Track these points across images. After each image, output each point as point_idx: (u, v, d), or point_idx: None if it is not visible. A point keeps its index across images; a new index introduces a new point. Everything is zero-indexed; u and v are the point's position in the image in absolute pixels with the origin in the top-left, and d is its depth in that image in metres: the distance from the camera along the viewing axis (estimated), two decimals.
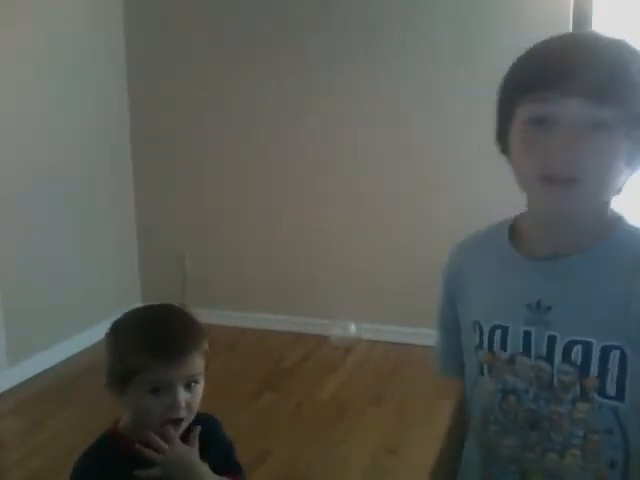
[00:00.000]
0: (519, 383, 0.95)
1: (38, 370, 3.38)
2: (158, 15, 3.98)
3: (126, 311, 1.21)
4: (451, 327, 1.07)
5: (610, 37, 0.86)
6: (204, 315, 4.56)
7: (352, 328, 3.75)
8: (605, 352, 0.85)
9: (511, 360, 0.95)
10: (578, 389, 0.88)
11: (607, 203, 0.90)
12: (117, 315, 1.21)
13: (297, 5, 3.72)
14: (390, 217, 3.72)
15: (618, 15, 3.32)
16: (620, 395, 0.85)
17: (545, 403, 0.91)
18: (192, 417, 1.14)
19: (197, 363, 1.14)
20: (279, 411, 3.03)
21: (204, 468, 1.12)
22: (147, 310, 1.23)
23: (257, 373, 3.43)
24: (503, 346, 0.96)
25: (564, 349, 0.88)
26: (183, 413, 1.11)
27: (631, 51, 0.84)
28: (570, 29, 3.30)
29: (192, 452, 1.11)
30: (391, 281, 3.74)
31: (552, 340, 0.90)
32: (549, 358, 0.90)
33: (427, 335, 3.77)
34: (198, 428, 1.14)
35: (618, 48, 0.83)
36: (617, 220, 0.91)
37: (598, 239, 0.89)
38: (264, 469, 2.52)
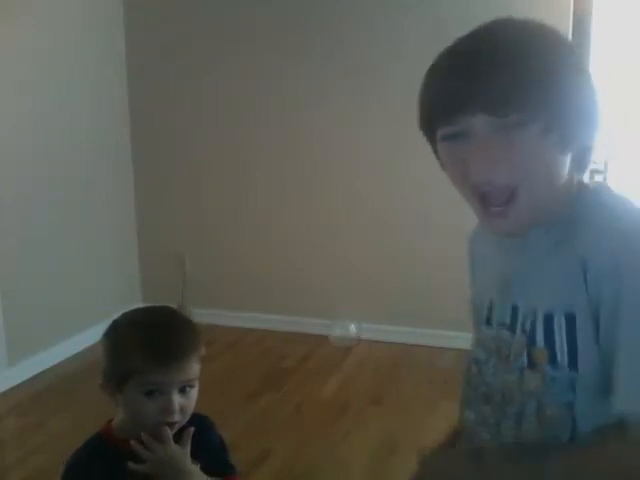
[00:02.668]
0: (481, 353, 0.95)
1: (38, 370, 3.38)
2: (158, 15, 3.98)
3: (125, 311, 1.21)
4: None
5: (516, 27, 0.88)
6: (204, 315, 4.59)
7: (352, 328, 3.75)
8: (548, 320, 0.83)
9: (478, 330, 0.97)
10: (525, 359, 0.86)
11: (567, 188, 0.87)
12: (117, 315, 1.21)
13: (298, 5, 3.72)
14: (390, 217, 3.72)
15: (618, 15, 3.32)
16: (572, 364, 0.81)
17: (501, 375, 0.90)
18: (185, 421, 1.14)
19: (194, 368, 1.14)
20: (279, 411, 3.03)
21: (195, 469, 1.12)
22: (147, 312, 1.23)
23: (257, 373, 3.43)
24: (477, 317, 0.98)
25: (523, 318, 0.88)
26: (177, 417, 1.11)
27: (535, 40, 0.84)
28: (570, 29, 3.30)
29: (184, 453, 1.12)
30: (391, 281, 3.74)
31: (515, 310, 0.90)
32: (512, 328, 0.90)
33: (427, 335, 3.79)
34: (191, 429, 1.14)
35: (518, 45, 0.82)
36: (584, 191, 0.89)
37: (563, 212, 0.87)
38: (264, 469, 2.52)
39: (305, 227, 3.89)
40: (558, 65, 0.82)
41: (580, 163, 0.87)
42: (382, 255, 3.77)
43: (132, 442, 1.09)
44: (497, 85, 0.79)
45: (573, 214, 0.86)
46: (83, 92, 3.72)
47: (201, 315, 4.01)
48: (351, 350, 3.67)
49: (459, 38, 0.87)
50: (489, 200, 0.84)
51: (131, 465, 1.08)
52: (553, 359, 0.83)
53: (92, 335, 3.32)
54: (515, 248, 0.92)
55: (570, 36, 3.31)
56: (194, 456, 1.14)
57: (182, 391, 1.12)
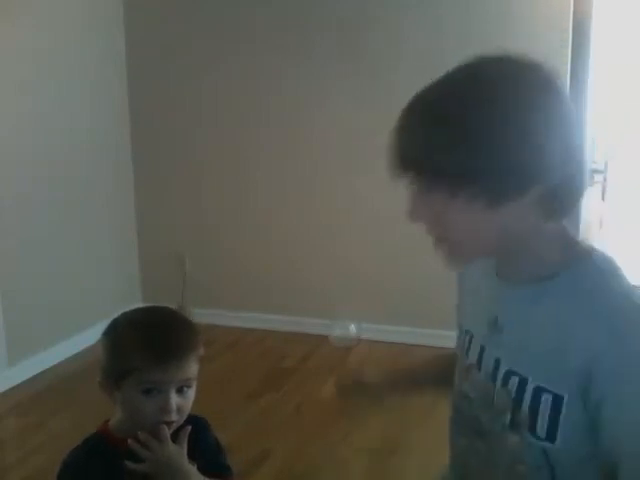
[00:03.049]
0: (471, 392, 0.97)
1: (38, 370, 3.38)
2: (158, 15, 3.99)
3: (125, 311, 1.21)
4: None
5: (463, 79, 0.90)
6: (204, 315, 4.59)
7: (352, 328, 3.75)
8: (537, 393, 0.83)
9: (469, 369, 0.97)
10: (508, 418, 0.87)
11: (535, 236, 0.86)
12: (117, 315, 1.21)
13: (298, 5, 3.72)
14: (390, 217, 3.72)
15: (618, 16, 3.32)
16: (551, 436, 0.82)
17: (488, 420, 0.92)
18: (182, 421, 1.14)
19: (192, 367, 1.14)
20: (279, 411, 3.03)
21: (192, 469, 1.12)
22: (147, 311, 1.23)
23: (257, 373, 3.43)
24: (467, 352, 0.99)
25: (504, 375, 0.88)
26: (174, 416, 1.11)
27: (470, 98, 0.83)
28: (570, 29, 3.30)
29: (181, 452, 1.12)
30: (391, 281, 3.74)
31: (497, 363, 0.90)
32: (493, 379, 0.90)
33: (427, 335, 3.79)
34: (188, 428, 1.14)
35: (446, 106, 0.84)
36: (582, 252, 0.87)
37: (556, 269, 0.86)
38: (264, 469, 2.51)
39: (305, 227, 3.89)
40: (479, 122, 0.80)
41: (547, 208, 0.83)
42: (382, 255, 3.77)
43: (130, 441, 1.09)
44: (412, 146, 0.83)
45: (565, 278, 0.84)
46: (83, 92, 3.72)
47: (201, 315, 4.01)
48: (351, 350, 3.67)
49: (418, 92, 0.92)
50: (435, 244, 0.89)
51: (129, 464, 1.08)
52: (532, 427, 0.84)
53: (92, 335, 3.32)
54: (507, 296, 0.92)
55: (570, 36, 3.32)
56: (190, 457, 1.13)
57: (180, 391, 1.12)
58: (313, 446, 2.72)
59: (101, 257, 3.92)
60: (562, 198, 0.84)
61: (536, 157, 0.79)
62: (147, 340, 1.12)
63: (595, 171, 3.55)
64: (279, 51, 3.76)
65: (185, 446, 1.13)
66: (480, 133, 0.79)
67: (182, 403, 1.12)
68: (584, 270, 0.85)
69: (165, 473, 1.10)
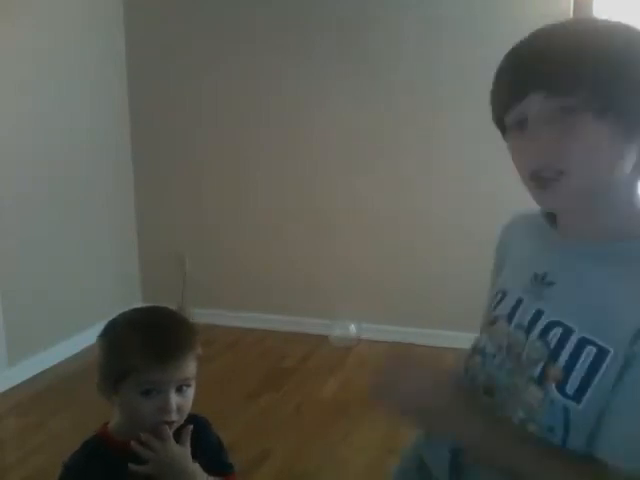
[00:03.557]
0: (489, 346, 0.94)
1: (38, 370, 3.38)
2: (158, 15, 3.99)
3: (122, 312, 1.21)
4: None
5: (588, 24, 0.88)
6: (204, 315, 4.57)
7: (352, 328, 3.75)
8: (581, 344, 0.81)
9: (492, 322, 0.95)
10: (538, 371, 0.84)
11: (626, 191, 0.85)
12: (115, 316, 1.21)
13: (298, 5, 3.72)
14: (390, 217, 3.72)
15: (618, 15, 3.32)
16: (579, 395, 0.80)
17: (507, 374, 0.89)
18: (182, 420, 1.14)
19: (191, 367, 1.14)
20: (279, 411, 3.03)
21: (196, 468, 1.12)
22: (145, 311, 1.23)
23: (257, 373, 3.43)
24: (495, 307, 0.96)
25: (546, 326, 0.86)
26: (174, 416, 1.11)
27: (600, 34, 0.83)
28: None
29: (185, 452, 1.12)
30: (391, 281, 3.74)
31: (538, 314, 0.88)
32: (528, 330, 0.88)
33: (427, 335, 3.79)
34: (190, 427, 1.14)
35: (580, 34, 0.83)
36: None
37: (630, 235, 0.84)
38: (264, 469, 2.51)
39: (305, 227, 3.89)
40: (615, 51, 0.80)
41: None
42: (382, 255, 3.77)
43: (132, 443, 1.08)
44: (543, 65, 0.80)
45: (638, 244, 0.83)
46: (83, 92, 3.72)
47: (201, 315, 4.00)
48: (351, 350, 3.67)
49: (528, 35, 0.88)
50: (541, 180, 0.83)
51: (132, 466, 1.08)
52: (564, 383, 0.81)
53: (92, 335, 3.29)
54: (567, 252, 0.90)
55: None
56: (192, 456, 1.13)
57: (179, 390, 1.12)
58: (313, 446, 2.72)
59: (101, 257, 3.92)
60: None
61: None
62: (145, 340, 1.12)
63: None
64: (279, 51, 3.77)
65: (188, 445, 1.12)
66: (623, 57, 0.80)
67: (182, 403, 1.12)
68: None
69: (168, 473, 1.10)
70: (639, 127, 0.80)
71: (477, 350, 0.96)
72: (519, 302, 0.92)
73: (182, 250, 4.13)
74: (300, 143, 3.83)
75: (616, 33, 0.83)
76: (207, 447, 1.20)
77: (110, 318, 1.22)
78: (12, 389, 3.22)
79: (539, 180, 0.83)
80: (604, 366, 0.78)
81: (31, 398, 3.17)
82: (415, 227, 3.68)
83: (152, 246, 4.21)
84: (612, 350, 0.78)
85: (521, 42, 0.87)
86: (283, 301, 3.97)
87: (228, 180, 4.00)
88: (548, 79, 0.79)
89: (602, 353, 0.79)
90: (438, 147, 3.58)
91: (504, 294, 0.96)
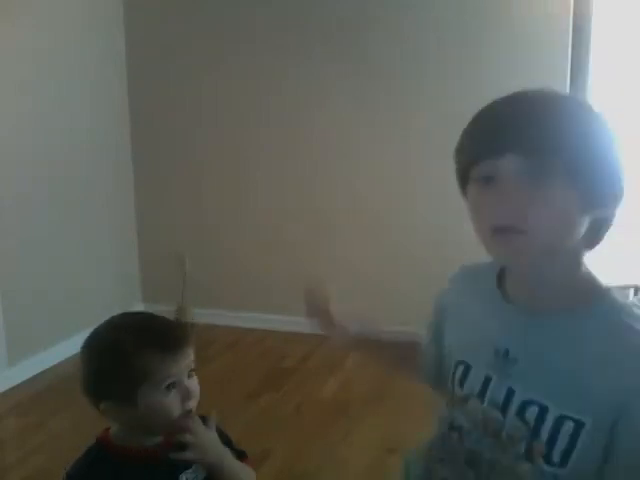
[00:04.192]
0: (465, 423, 0.96)
1: (38, 370, 3.38)
2: (158, 15, 3.99)
3: (96, 329, 1.20)
4: (437, 340, 1.09)
5: (554, 94, 0.89)
6: (204, 315, 4.57)
7: None
8: (559, 421, 0.83)
9: (465, 399, 0.96)
10: (524, 447, 0.86)
11: (574, 258, 0.88)
12: (87, 339, 1.20)
13: (298, 5, 3.72)
14: (390, 217, 3.73)
15: (618, 15, 3.32)
16: (564, 462, 0.83)
17: (489, 448, 0.91)
18: (195, 407, 1.17)
19: (192, 354, 1.17)
20: (279, 411, 3.03)
21: (227, 451, 1.16)
22: (128, 316, 1.25)
23: (257, 373, 3.43)
24: (461, 383, 0.97)
25: (520, 405, 0.88)
26: (193, 403, 1.14)
27: (568, 101, 0.89)
28: (570, 29, 3.30)
29: (217, 436, 1.16)
30: (391, 281, 3.74)
31: (510, 393, 0.89)
32: (504, 409, 0.89)
33: None
34: (214, 414, 1.18)
35: (551, 100, 0.87)
36: (603, 290, 0.88)
37: (580, 302, 0.87)
38: (264, 469, 2.51)
39: (305, 227, 3.89)
40: (590, 125, 0.84)
41: (593, 236, 0.87)
42: (382, 255, 3.77)
43: (178, 436, 1.10)
44: (526, 129, 0.82)
45: (592, 310, 0.86)
46: (83, 92, 3.72)
47: (201, 315, 4.02)
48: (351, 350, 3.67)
49: (492, 101, 0.90)
50: (503, 235, 0.85)
51: (174, 455, 1.10)
52: (548, 456, 0.84)
53: None
54: (523, 326, 0.91)
55: (570, 36, 3.32)
56: None
57: (189, 377, 1.15)
58: (313, 446, 2.72)
59: (101, 257, 3.92)
60: (602, 235, 0.89)
61: (618, 182, 0.86)
62: (154, 338, 1.13)
63: None
64: (279, 51, 3.77)
65: (215, 430, 1.17)
66: (598, 136, 0.84)
67: (194, 388, 1.15)
68: (614, 303, 0.86)
69: (210, 455, 1.13)
70: (596, 199, 0.84)
71: (454, 428, 0.98)
72: (488, 380, 0.93)
73: (182, 250, 4.14)
74: (300, 143, 3.84)
75: (590, 111, 0.87)
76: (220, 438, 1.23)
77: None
78: (12, 389, 3.22)
79: (501, 235, 0.85)
80: (582, 436, 0.82)
81: (31, 398, 3.17)
82: (416, 227, 3.68)
83: (152, 246, 4.21)
84: (588, 422, 0.81)
85: (501, 101, 0.88)
86: (283, 301, 3.96)
87: (228, 180, 4.00)
88: (529, 142, 0.81)
89: (579, 426, 0.82)
90: (438, 147, 3.57)
91: (467, 368, 0.97)
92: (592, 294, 0.87)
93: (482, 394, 0.93)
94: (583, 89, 3.85)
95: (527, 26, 3.33)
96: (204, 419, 1.18)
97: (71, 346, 3.51)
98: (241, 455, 1.24)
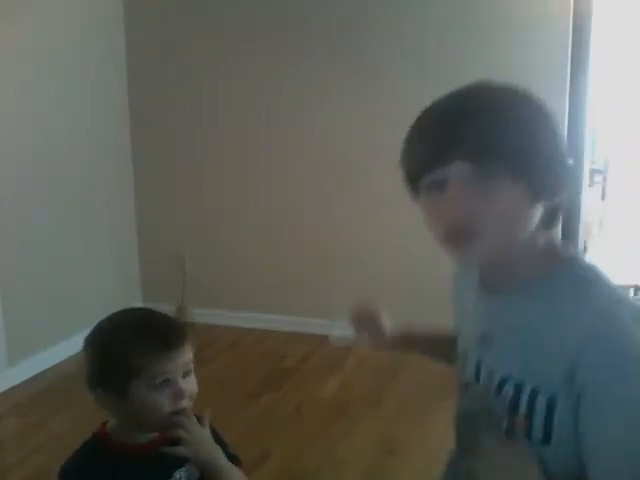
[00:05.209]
0: (471, 408, 0.99)
1: (38, 370, 3.39)
2: (158, 15, 3.99)
3: (100, 321, 1.22)
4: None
5: (489, 88, 0.90)
6: (204, 315, 4.57)
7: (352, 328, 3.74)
8: (533, 395, 0.85)
9: (467, 386, 1.00)
10: (506, 424, 0.88)
11: (531, 241, 0.90)
12: (90, 331, 1.22)
13: (298, 5, 3.72)
14: (390, 217, 3.72)
15: (618, 15, 3.32)
16: (547, 438, 0.84)
17: (489, 427, 0.93)
18: (191, 406, 1.16)
19: (190, 352, 1.17)
20: (279, 411, 3.03)
21: (219, 449, 1.15)
22: (128, 313, 1.24)
23: (257, 373, 3.43)
24: (463, 371, 1.01)
25: (499, 383, 0.90)
26: (186, 402, 1.14)
27: (506, 99, 0.88)
28: (570, 29, 3.30)
29: (209, 433, 1.15)
30: (391, 281, 3.74)
31: (491, 372, 0.93)
32: (489, 389, 0.93)
33: None
34: (209, 411, 1.17)
35: (491, 102, 0.87)
36: (564, 260, 0.91)
37: (539, 276, 0.89)
38: (264, 469, 2.52)
39: (305, 227, 3.89)
40: (529, 120, 0.86)
41: (548, 220, 0.90)
42: (382, 255, 3.77)
43: (172, 430, 1.11)
44: (471, 136, 0.84)
45: (552, 281, 0.88)
46: (83, 92, 3.72)
47: (201, 315, 4.02)
48: (351, 350, 3.67)
49: (435, 100, 0.93)
50: (454, 238, 0.88)
51: (167, 449, 1.11)
52: (529, 432, 0.85)
53: None
54: (492, 308, 0.95)
55: (570, 36, 3.32)
56: None
57: (185, 376, 1.15)
58: (313, 446, 2.72)
59: (101, 257, 3.92)
60: (557, 218, 0.92)
61: (562, 168, 0.89)
62: (149, 334, 1.14)
63: (595, 171, 3.55)
64: (279, 51, 3.77)
65: (208, 428, 1.16)
66: (536, 130, 0.86)
67: (190, 388, 1.15)
68: (567, 277, 0.89)
69: (202, 451, 1.13)
70: (544, 190, 0.86)
71: (463, 414, 1.02)
72: (479, 365, 0.97)
73: (182, 250, 4.14)
74: (300, 143, 3.84)
75: (526, 102, 0.88)
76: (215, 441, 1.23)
77: None
78: (12, 389, 3.22)
79: (454, 239, 0.88)
80: (558, 411, 0.83)
81: (31, 398, 3.17)
82: (415, 227, 3.67)
83: (152, 246, 4.21)
84: (559, 395, 0.82)
85: (442, 105, 0.91)
86: (283, 301, 3.97)
87: (228, 180, 4.01)
88: (475, 148, 0.83)
89: (551, 399, 0.83)
90: None
91: (465, 357, 1.02)
92: (550, 269, 0.89)
93: (477, 378, 0.97)
94: (583, 88, 3.85)
95: (527, 26, 3.33)
96: (198, 418, 1.18)
97: (71, 346, 3.53)
98: (234, 459, 1.23)
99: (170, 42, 3.97)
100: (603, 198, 7.45)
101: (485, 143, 0.83)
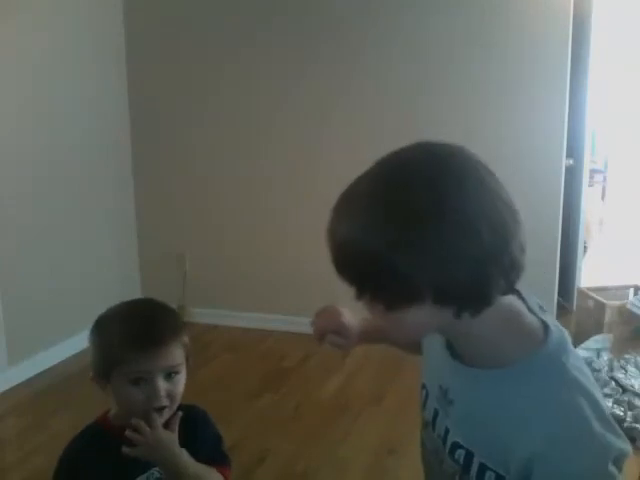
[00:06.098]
0: (427, 443, 1.00)
1: (38, 370, 3.39)
2: (158, 15, 3.99)
3: (110, 307, 1.24)
4: None
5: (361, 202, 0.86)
6: (204, 315, 4.57)
7: None
8: (482, 469, 0.84)
9: (426, 424, 1.00)
10: (458, 478, 0.88)
11: (486, 316, 0.80)
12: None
13: (297, 6, 3.72)
14: None
15: (617, 15, 3.32)
16: None
17: (439, 473, 0.94)
18: (175, 406, 1.17)
19: (176, 354, 1.17)
20: (279, 411, 3.03)
21: (183, 453, 1.15)
22: (129, 304, 1.26)
23: (257, 373, 3.43)
24: (423, 407, 1.01)
25: (452, 445, 0.90)
26: (164, 402, 1.15)
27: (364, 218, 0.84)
28: (570, 29, 3.30)
29: (172, 437, 1.15)
30: None
31: (447, 431, 0.92)
32: (444, 444, 0.92)
33: None
34: (179, 414, 1.17)
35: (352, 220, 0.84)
36: (531, 342, 0.84)
37: (514, 359, 0.83)
38: (264, 469, 2.51)
39: (305, 227, 3.89)
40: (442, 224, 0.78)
41: (507, 286, 0.80)
42: None
43: (127, 432, 1.12)
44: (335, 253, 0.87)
45: (522, 367, 0.82)
46: (83, 92, 3.72)
47: (201, 315, 4.02)
48: (351, 350, 3.67)
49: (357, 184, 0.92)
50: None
51: (125, 449, 1.12)
52: None
53: None
54: (459, 373, 0.90)
55: (570, 36, 3.32)
56: (192, 445, 1.17)
57: (168, 377, 1.15)
58: (313, 446, 2.72)
59: (101, 257, 3.92)
60: (518, 270, 0.81)
61: (470, 270, 0.77)
62: (130, 331, 1.16)
63: (595, 171, 3.55)
64: (279, 51, 3.77)
65: (176, 430, 1.15)
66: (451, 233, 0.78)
67: (171, 389, 1.16)
68: (536, 363, 0.83)
69: (155, 456, 1.14)
70: (446, 300, 0.78)
71: (423, 441, 1.03)
72: (436, 412, 0.96)
73: (182, 250, 4.14)
74: (300, 143, 3.83)
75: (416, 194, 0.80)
76: (206, 437, 1.24)
77: None
78: (12, 389, 3.22)
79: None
80: None
81: (31, 398, 3.17)
82: None
83: (152, 246, 4.21)
84: (507, 476, 0.81)
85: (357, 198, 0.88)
86: (283, 301, 3.97)
87: (228, 180, 4.00)
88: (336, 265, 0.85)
89: (500, 477, 0.82)
90: None
91: (426, 394, 1.01)
92: (514, 353, 0.83)
93: (433, 424, 0.96)
94: (583, 89, 3.85)
95: (527, 22, 3.33)
96: (188, 408, 1.20)
97: (71, 346, 3.54)
98: (223, 460, 1.23)
99: (170, 42, 3.97)
100: (603, 198, 7.45)
101: (339, 262, 0.85)
